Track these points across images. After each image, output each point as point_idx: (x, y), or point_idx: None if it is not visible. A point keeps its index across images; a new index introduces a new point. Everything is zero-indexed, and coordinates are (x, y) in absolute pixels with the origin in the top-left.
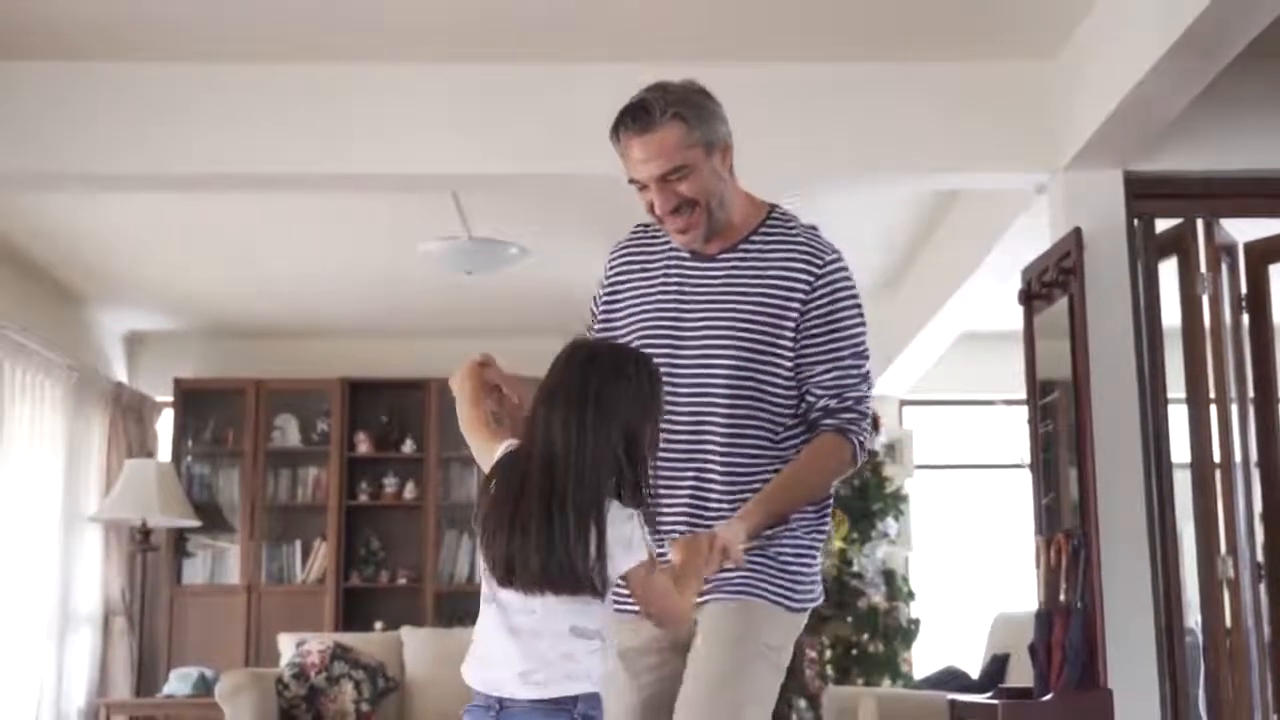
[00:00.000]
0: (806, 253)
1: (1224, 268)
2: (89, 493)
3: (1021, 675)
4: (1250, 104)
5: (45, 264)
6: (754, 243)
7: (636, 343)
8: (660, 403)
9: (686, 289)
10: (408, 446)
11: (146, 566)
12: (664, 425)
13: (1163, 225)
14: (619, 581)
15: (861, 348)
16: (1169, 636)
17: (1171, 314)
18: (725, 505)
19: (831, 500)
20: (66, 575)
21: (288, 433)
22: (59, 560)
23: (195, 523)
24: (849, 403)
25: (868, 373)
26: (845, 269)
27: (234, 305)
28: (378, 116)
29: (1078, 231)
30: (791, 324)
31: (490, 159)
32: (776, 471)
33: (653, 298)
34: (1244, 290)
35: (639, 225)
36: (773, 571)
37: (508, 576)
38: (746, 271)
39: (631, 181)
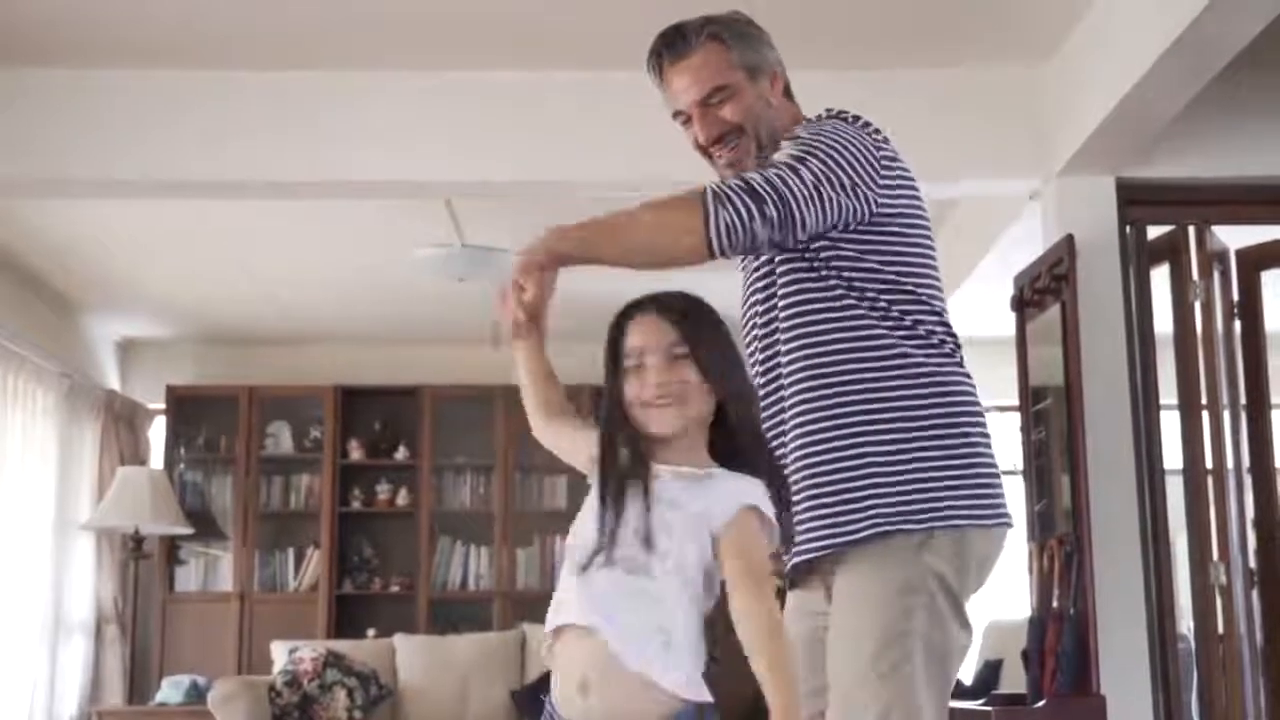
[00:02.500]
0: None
1: (1216, 274)
2: (81, 500)
3: (1015, 681)
4: (1243, 111)
5: (38, 270)
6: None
7: (748, 293)
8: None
9: None
10: (400, 453)
11: (139, 574)
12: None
13: (1155, 232)
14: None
15: (812, 153)
16: (1162, 643)
17: (1164, 321)
18: (798, 431)
19: (943, 386)
20: (59, 583)
21: (280, 440)
22: (51, 568)
23: (188, 530)
24: (744, 178)
25: (787, 163)
26: (824, 120)
27: (227, 312)
28: (375, 123)
29: (1070, 238)
30: None
31: (487, 166)
32: (848, 398)
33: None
34: (1236, 297)
35: None
36: (878, 496)
37: None
38: None
39: (675, 117)
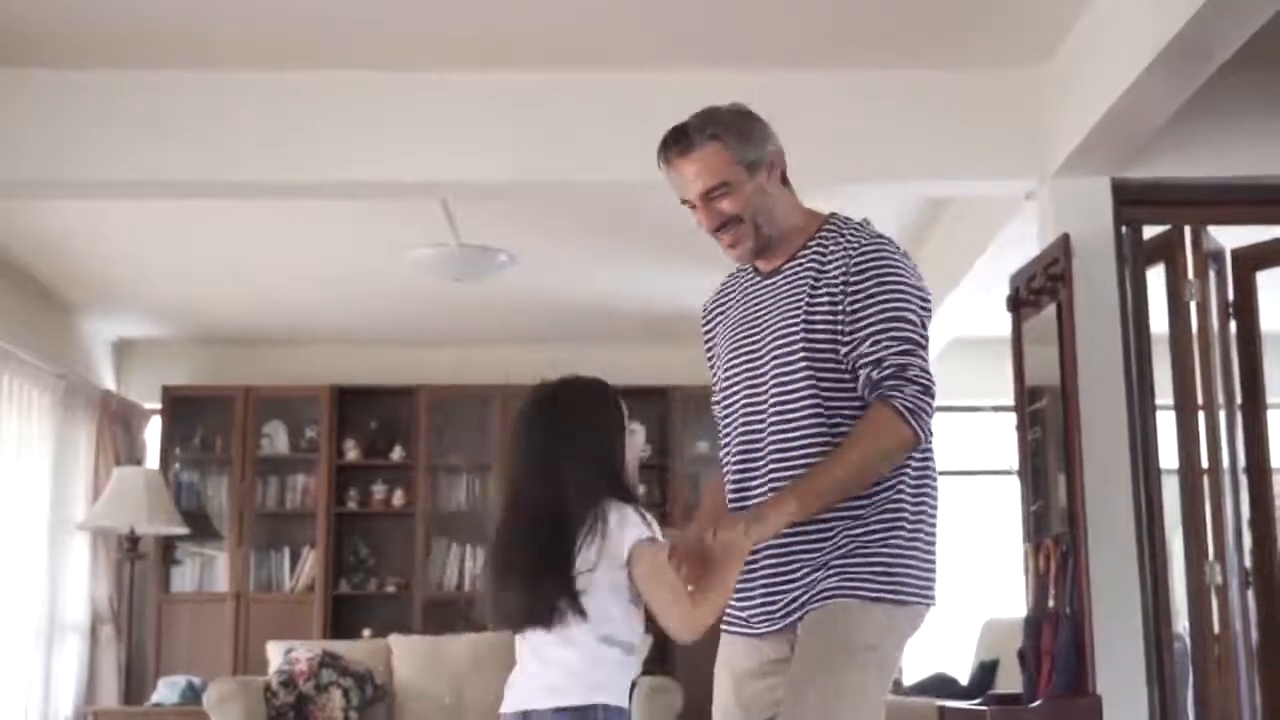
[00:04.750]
0: (845, 246)
1: (1211, 274)
2: (77, 500)
3: (1011, 681)
4: (1237, 112)
5: (34, 270)
6: (806, 250)
7: (725, 372)
8: (607, 416)
9: (754, 309)
10: (396, 453)
11: (134, 574)
12: (747, 436)
13: (1150, 232)
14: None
15: (902, 312)
16: (1157, 642)
17: (1159, 320)
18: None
19: (922, 482)
20: (54, 583)
21: (276, 440)
22: (46, 568)
23: (183, 530)
24: (888, 370)
25: (912, 336)
26: (883, 251)
27: (223, 312)
28: (371, 124)
29: (1066, 238)
30: (835, 319)
31: (485, 167)
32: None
33: (732, 327)
34: (1231, 297)
35: (727, 276)
36: (855, 565)
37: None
38: (799, 281)
39: (683, 203)
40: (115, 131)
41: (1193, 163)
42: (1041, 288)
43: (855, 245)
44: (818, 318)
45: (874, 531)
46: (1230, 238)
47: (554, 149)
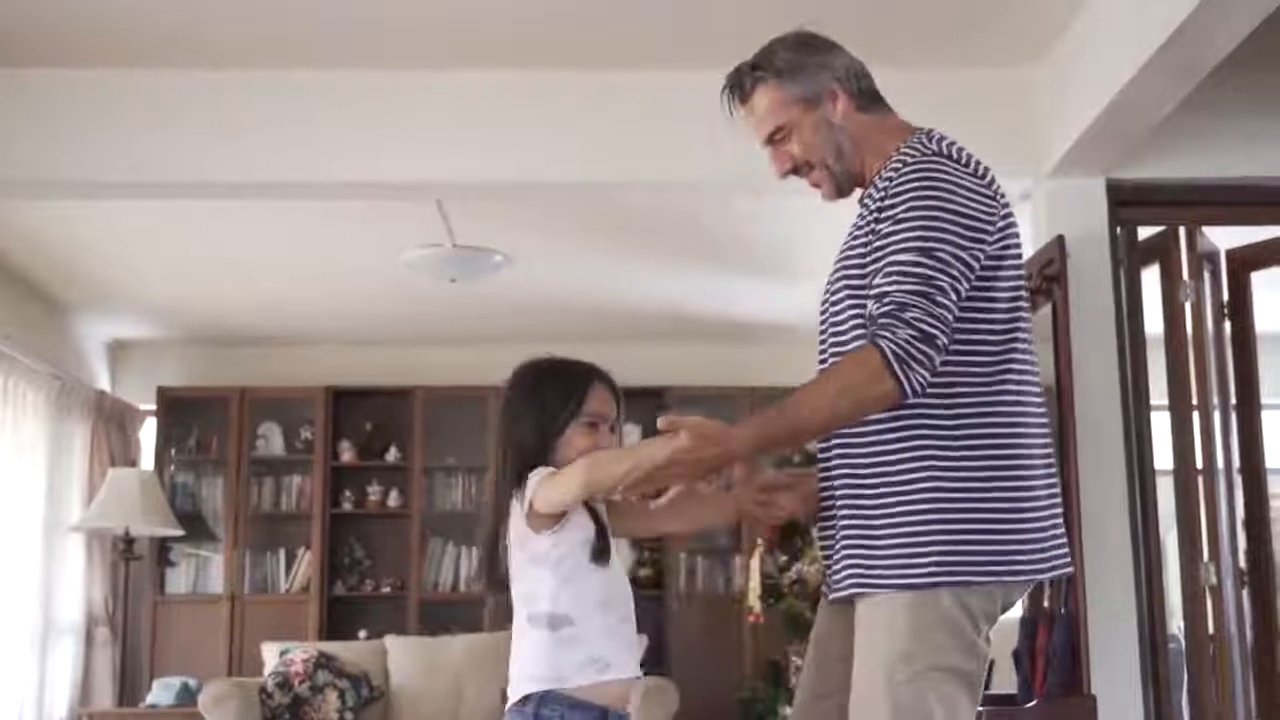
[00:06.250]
0: (895, 169)
1: (1206, 275)
2: (71, 501)
3: (1006, 682)
4: (1232, 112)
5: (28, 271)
6: (875, 179)
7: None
8: (542, 399)
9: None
10: (392, 455)
11: (129, 576)
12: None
13: (1145, 233)
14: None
15: (929, 243)
16: (1152, 642)
17: (1154, 321)
18: (836, 454)
19: (967, 438)
20: (48, 585)
21: (271, 441)
22: (41, 569)
23: (178, 532)
24: (887, 306)
25: (932, 275)
26: (928, 170)
27: (218, 313)
28: (367, 124)
29: (1061, 239)
30: (867, 253)
31: (480, 167)
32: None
33: None
34: (1225, 297)
35: None
36: (873, 545)
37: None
38: (860, 211)
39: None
40: (111, 131)
41: (1187, 164)
42: (1036, 288)
43: (901, 165)
44: (854, 253)
45: (896, 505)
46: (1225, 239)
47: (550, 149)
